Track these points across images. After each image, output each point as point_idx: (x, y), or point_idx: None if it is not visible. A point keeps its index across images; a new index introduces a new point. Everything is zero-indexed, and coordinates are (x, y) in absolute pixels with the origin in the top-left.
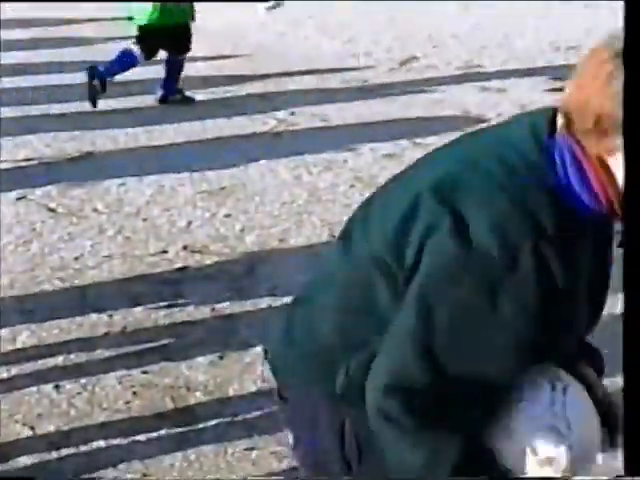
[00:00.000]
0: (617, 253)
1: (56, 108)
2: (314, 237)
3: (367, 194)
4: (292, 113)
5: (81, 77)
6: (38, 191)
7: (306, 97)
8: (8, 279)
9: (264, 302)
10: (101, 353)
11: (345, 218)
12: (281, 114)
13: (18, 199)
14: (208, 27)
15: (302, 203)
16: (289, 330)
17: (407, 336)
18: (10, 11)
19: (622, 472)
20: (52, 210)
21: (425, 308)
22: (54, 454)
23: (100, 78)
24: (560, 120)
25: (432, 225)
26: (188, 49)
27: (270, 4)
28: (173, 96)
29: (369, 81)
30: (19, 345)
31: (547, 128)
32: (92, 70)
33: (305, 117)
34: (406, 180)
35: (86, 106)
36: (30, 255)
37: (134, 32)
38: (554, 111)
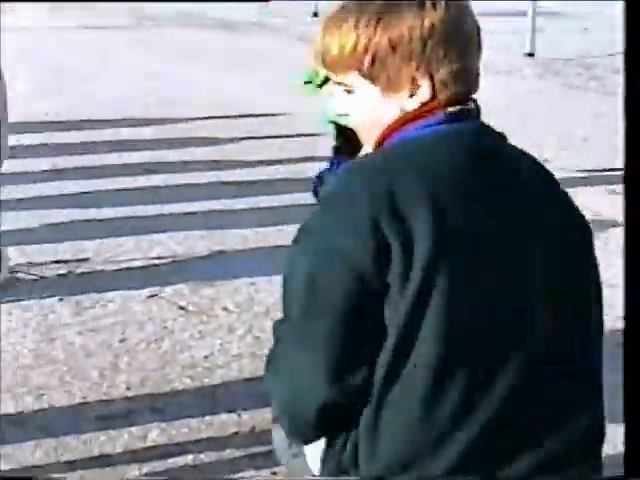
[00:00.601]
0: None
1: (187, 207)
2: None
3: None
4: None
5: (206, 176)
6: (169, 289)
7: None
8: (139, 377)
9: None
10: (230, 453)
11: None
12: None
13: (150, 297)
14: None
15: None
16: None
17: None
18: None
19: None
20: (183, 308)
21: None
22: None
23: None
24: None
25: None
26: None
27: None
28: None
29: None
30: (150, 443)
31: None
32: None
33: None
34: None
35: (215, 205)
36: (161, 353)
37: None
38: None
